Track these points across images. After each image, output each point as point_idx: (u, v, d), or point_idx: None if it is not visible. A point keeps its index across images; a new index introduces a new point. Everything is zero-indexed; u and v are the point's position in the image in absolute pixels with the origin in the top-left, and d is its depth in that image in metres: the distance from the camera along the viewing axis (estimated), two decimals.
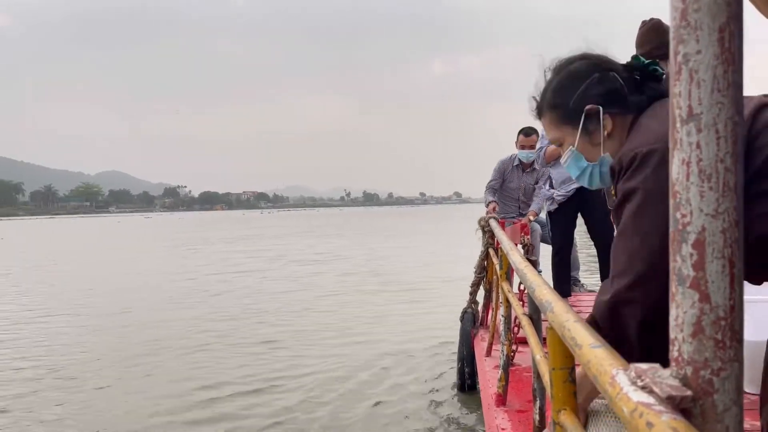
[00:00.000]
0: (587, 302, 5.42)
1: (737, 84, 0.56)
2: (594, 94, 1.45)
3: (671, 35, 0.57)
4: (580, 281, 6.11)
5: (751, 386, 2.77)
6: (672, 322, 0.58)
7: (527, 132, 5.79)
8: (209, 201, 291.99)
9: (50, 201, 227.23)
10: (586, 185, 1.56)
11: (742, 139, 0.56)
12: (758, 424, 2.52)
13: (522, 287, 3.43)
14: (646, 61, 1.47)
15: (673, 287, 0.58)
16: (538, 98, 1.58)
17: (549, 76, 1.56)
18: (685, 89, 0.56)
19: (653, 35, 3.39)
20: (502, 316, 3.18)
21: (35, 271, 18.02)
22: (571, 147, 1.51)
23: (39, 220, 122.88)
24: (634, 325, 1.24)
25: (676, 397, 0.54)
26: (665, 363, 0.83)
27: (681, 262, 0.57)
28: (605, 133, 1.46)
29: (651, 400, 0.55)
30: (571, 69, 1.51)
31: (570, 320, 0.94)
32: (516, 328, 3.31)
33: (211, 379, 6.01)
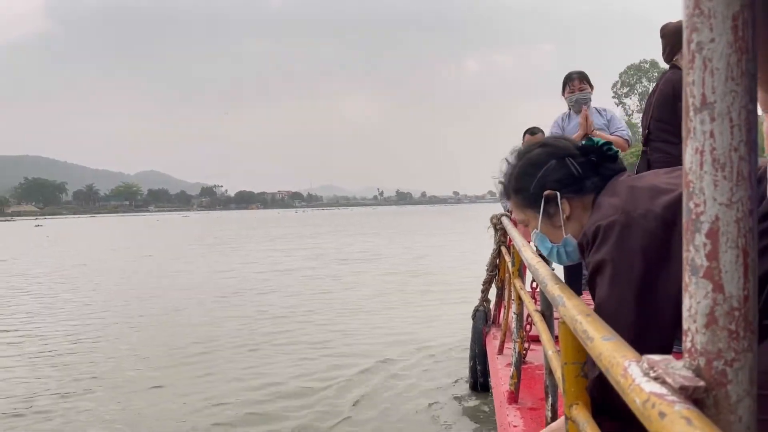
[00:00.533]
0: None
1: (751, 73, 0.55)
2: (551, 179, 1.52)
3: (684, 23, 0.57)
4: None
5: None
6: (685, 313, 0.57)
7: (533, 131, 5.82)
8: (245, 200, 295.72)
9: (92, 200, 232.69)
10: (556, 262, 1.66)
11: (755, 127, 0.56)
12: None
13: (534, 284, 3.42)
14: (600, 142, 1.53)
15: (686, 277, 0.57)
16: (504, 182, 1.67)
17: (512, 161, 1.64)
18: (699, 78, 0.56)
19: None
20: (515, 313, 3.18)
21: (83, 269, 17.94)
22: (535, 230, 1.60)
23: (81, 219, 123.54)
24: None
25: (689, 387, 0.54)
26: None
27: (694, 252, 0.56)
28: (564, 216, 1.52)
29: (663, 390, 0.55)
30: (530, 156, 1.59)
31: (582, 314, 0.94)
32: (528, 326, 3.31)
33: (261, 380, 5.95)
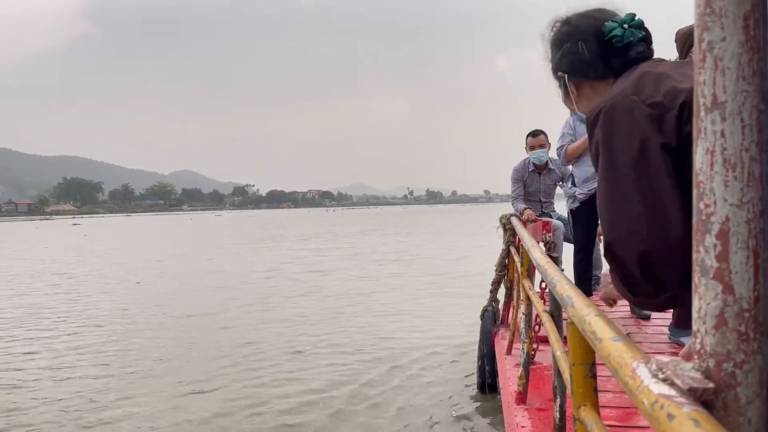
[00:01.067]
0: None
1: (762, 72, 0.55)
2: (564, 62, 1.54)
3: (695, 23, 0.57)
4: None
5: None
6: (694, 314, 0.57)
7: (534, 133, 5.83)
8: (276, 199, 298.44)
9: (127, 199, 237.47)
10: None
11: (767, 127, 0.55)
12: None
13: (543, 285, 3.41)
14: (623, 25, 1.49)
15: (696, 278, 0.57)
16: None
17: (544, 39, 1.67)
18: (710, 77, 0.56)
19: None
20: (523, 314, 3.17)
21: (122, 269, 17.50)
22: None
23: (117, 218, 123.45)
24: (634, 259, 1.21)
25: (698, 389, 0.54)
26: (676, 292, 1.16)
27: (704, 252, 0.56)
28: (574, 96, 1.55)
29: (672, 392, 0.55)
30: (552, 36, 1.60)
31: (590, 314, 0.94)
32: (537, 326, 3.30)
33: (298, 386, 5.84)
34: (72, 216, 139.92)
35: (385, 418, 4.90)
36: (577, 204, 5.04)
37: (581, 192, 4.98)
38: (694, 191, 0.57)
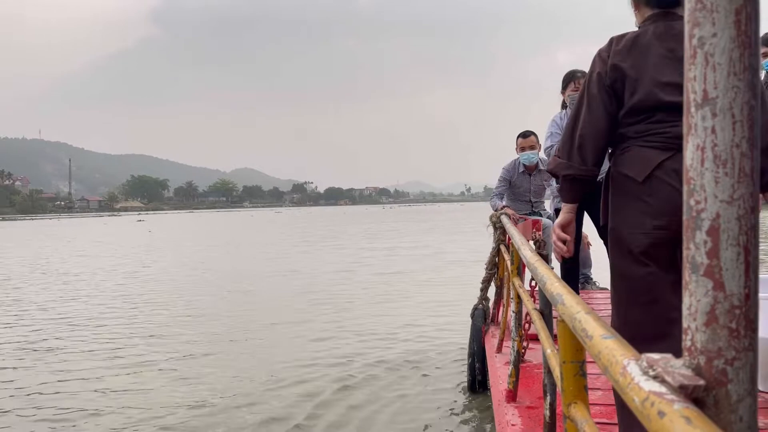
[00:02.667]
0: (599, 300, 5.39)
1: (753, 68, 0.54)
2: None
3: (686, 18, 0.56)
4: (592, 278, 6.08)
5: (764, 384, 2.74)
6: (685, 311, 0.57)
7: (525, 134, 5.84)
8: (334, 196, 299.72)
9: (191, 196, 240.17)
10: None
11: (757, 123, 0.55)
12: None
13: (533, 283, 3.42)
14: None
15: (687, 275, 0.57)
16: None
17: None
18: (701, 73, 0.55)
19: None
20: (513, 312, 3.17)
21: (190, 270, 16.39)
22: None
23: (181, 214, 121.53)
24: (576, 139, 2.11)
25: (689, 386, 0.53)
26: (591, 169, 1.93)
27: (695, 249, 0.56)
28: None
29: (663, 389, 0.54)
30: None
31: (581, 312, 0.93)
32: (527, 324, 3.30)
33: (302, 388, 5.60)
34: (138, 212, 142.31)
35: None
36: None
37: None
38: (685, 188, 0.57)
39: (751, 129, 0.54)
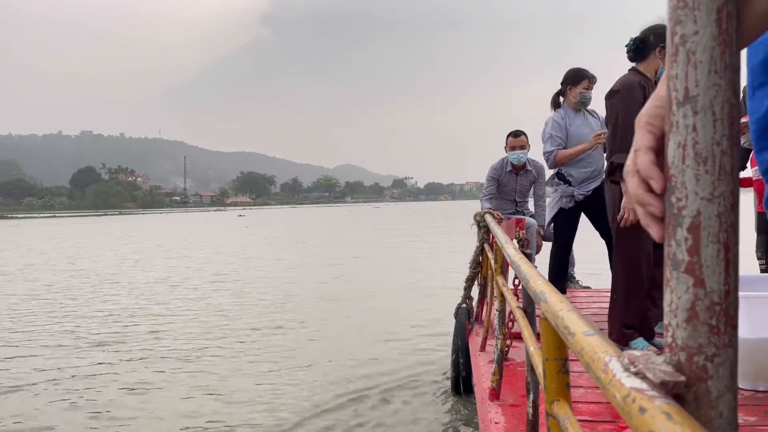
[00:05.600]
0: (582, 299, 5.43)
1: (734, 66, 0.55)
2: None
3: (668, 16, 0.57)
4: (575, 278, 6.12)
5: (744, 382, 2.77)
6: (666, 308, 0.57)
7: (515, 134, 5.86)
8: (434, 191, 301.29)
9: (296, 191, 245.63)
10: None
11: (738, 122, 0.55)
12: (751, 419, 2.53)
13: (516, 282, 3.43)
14: None
15: (668, 272, 0.57)
16: None
17: None
18: (682, 71, 0.56)
19: None
20: (497, 310, 3.18)
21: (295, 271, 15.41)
22: None
23: (283, 209, 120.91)
24: None
25: (669, 382, 0.54)
26: None
27: (675, 246, 0.56)
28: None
29: (644, 385, 0.55)
30: None
31: (563, 309, 0.94)
32: (510, 323, 3.32)
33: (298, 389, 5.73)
34: (242, 207, 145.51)
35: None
36: (572, 204, 5.12)
37: (580, 192, 5.07)
38: (666, 185, 0.57)
39: (731, 127, 0.55)
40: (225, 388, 5.62)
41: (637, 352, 0.61)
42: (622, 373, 0.59)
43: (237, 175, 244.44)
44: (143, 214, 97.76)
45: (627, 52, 3.67)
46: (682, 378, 0.54)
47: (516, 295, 3.10)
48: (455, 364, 5.08)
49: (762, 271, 5.52)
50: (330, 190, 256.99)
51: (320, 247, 22.16)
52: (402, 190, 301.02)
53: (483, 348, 4.09)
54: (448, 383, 5.30)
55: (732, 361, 0.55)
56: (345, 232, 33.06)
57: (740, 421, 2.37)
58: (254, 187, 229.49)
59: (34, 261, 19.17)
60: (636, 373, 0.58)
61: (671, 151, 0.57)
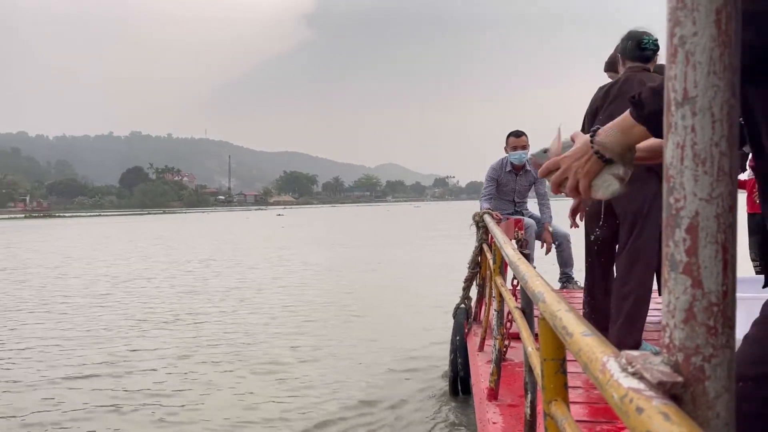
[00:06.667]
0: (580, 299, 5.43)
1: (733, 67, 0.55)
2: None
3: (667, 17, 0.57)
4: (573, 278, 6.12)
5: None
6: (664, 308, 0.57)
7: (517, 134, 5.86)
8: (475, 190, 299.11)
9: (338, 191, 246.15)
10: None
11: (736, 123, 0.55)
12: None
13: (515, 282, 3.44)
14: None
15: (666, 273, 0.57)
16: None
17: None
18: (681, 72, 0.56)
19: None
20: (495, 310, 3.19)
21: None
22: None
23: (323, 208, 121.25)
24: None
25: (667, 382, 0.54)
26: None
27: (674, 247, 0.56)
28: None
29: (641, 386, 0.55)
30: None
31: (561, 310, 0.94)
32: (508, 323, 3.32)
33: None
34: (282, 207, 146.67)
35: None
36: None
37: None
38: (665, 185, 0.57)
39: (730, 128, 0.55)
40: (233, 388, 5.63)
41: (635, 353, 0.61)
42: (619, 373, 0.59)
43: (280, 175, 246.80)
44: (185, 213, 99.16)
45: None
46: (680, 378, 0.54)
47: (514, 295, 3.10)
48: (453, 364, 5.08)
49: (757, 272, 5.53)
50: (371, 190, 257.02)
51: (346, 249, 22.01)
52: (443, 189, 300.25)
53: (481, 348, 4.09)
54: (446, 383, 5.31)
55: (729, 361, 0.55)
56: (373, 231, 32.92)
57: None
58: (297, 187, 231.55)
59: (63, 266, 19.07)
60: (633, 374, 0.58)
61: (669, 152, 0.57)
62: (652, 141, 1.31)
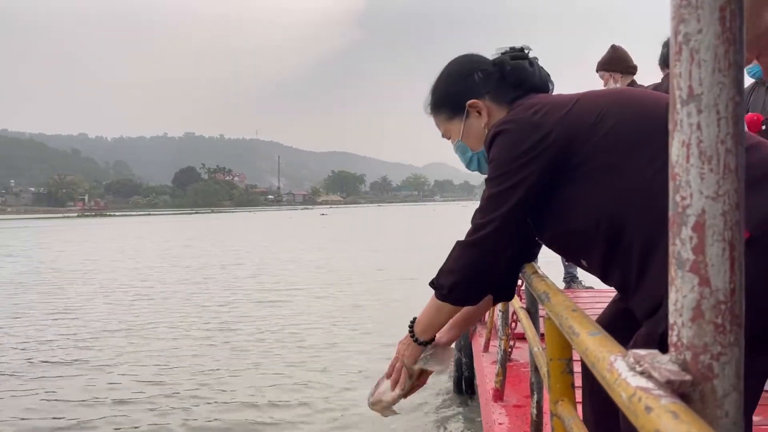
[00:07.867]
0: (585, 299, 5.42)
1: (738, 64, 0.55)
2: (473, 90, 1.60)
3: (671, 15, 0.56)
4: (578, 278, 6.11)
5: None
6: (671, 307, 0.57)
7: None
8: None
9: (386, 190, 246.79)
10: (475, 170, 1.74)
11: (742, 120, 0.55)
12: (756, 418, 2.52)
13: (519, 282, 3.43)
14: (515, 56, 1.61)
15: (672, 271, 0.57)
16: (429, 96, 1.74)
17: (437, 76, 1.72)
18: (686, 69, 0.55)
19: None
20: (500, 311, 3.18)
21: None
22: (458, 139, 1.68)
23: (369, 208, 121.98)
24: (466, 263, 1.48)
25: (675, 381, 0.54)
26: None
27: (680, 245, 0.56)
28: (483, 123, 1.58)
29: (649, 384, 0.55)
30: (451, 69, 1.66)
31: (567, 309, 0.94)
32: (513, 323, 3.31)
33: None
34: (329, 206, 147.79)
35: None
36: None
37: None
38: (671, 183, 0.57)
39: (736, 125, 0.55)
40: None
41: (642, 351, 0.61)
42: (627, 372, 0.59)
43: (328, 174, 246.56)
44: (233, 212, 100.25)
45: None
46: (688, 377, 0.54)
47: (519, 295, 3.10)
48: (458, 364, 5.07)
49: None
50: (419, 189, 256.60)
51: (363, 252, 21.82)
52: None
53: (486, 349, 4.09)
54: (451, 383, 5.30)
55: (738, 359, 0.54)
56: (405, 231, 32.65)
57: (757, 418, 2.37)
58: (344, 186, 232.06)
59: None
60: (641, 372, 0.57)
61: (675, 150, 0.57)
62: (465, 311, 1.63)
